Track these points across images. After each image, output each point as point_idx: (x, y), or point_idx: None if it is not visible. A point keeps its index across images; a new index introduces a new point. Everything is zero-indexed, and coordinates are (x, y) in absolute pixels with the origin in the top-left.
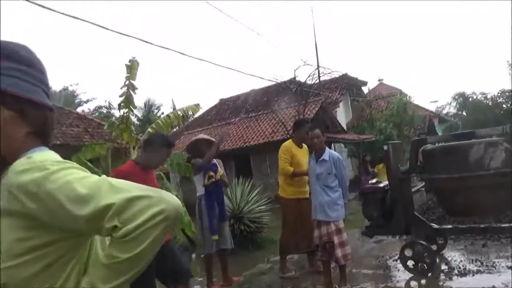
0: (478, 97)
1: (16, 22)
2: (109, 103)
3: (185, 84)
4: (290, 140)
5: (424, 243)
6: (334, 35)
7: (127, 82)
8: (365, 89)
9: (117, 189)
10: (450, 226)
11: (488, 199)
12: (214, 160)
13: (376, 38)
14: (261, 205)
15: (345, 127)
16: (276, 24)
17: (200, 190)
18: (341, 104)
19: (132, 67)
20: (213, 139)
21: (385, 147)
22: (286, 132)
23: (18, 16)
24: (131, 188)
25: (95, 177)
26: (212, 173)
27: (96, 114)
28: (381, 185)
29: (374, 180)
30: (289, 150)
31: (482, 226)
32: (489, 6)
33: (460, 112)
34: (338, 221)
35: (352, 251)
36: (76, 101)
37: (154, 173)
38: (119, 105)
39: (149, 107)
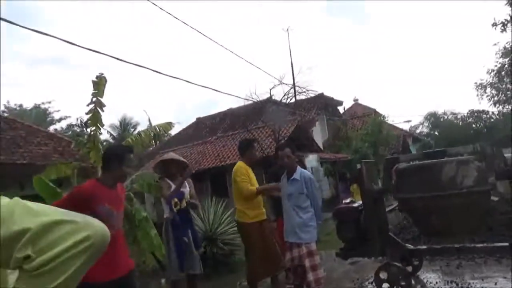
0: (449, 117)
1: None
2: (81, 121)
3: (162, 103)
4: (241, 161)
5: (399, 265)
6: (310, 55)
7: (94, 99)
8: (341, 109)
9: (34, 212)
10: (425, 247)
11: (462, 218)
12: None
13: (352, 59)
14: (234, 226)
15: (321, 146)
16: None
17: (167, 212)
18: (317, 123)
19: (99, 84)
20: (182, 159)
21: (358, 166)
22: (262, 151)
23: None
24: (52, 212)
25: (6, 199)
26: (176, 200)
27: (69, 132)
28: (355, 205)
29: (348, 200)
30: (245, 170)
31: (456, 246)
32: (460, 28)
33: (432, 132)
34: (310, 243)
35: (327, 272)
36: (48, 119)
37: (122, 192)
38: (85, 123)
39: (124, 125)
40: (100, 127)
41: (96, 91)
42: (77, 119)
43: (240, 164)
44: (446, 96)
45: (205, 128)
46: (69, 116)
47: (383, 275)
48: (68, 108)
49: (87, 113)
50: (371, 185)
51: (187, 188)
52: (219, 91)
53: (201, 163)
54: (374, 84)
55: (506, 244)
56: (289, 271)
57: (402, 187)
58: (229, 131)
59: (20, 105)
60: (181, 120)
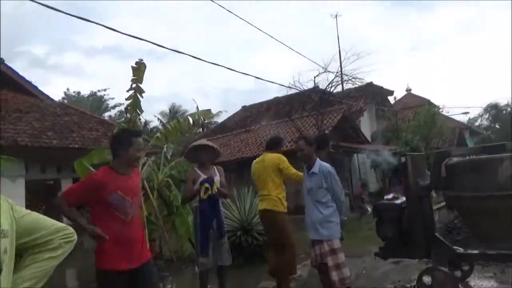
0: None
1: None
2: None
3: (212, 92)
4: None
5: (446, 269)
6: (359, 43)
7: (133, 85)
8: (391, 99)
9: None
10: (476, 252)
11: None
12: (214, 167)
13: (407, 47)
14: None
15: (369, 138)
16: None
17: (195, 201)
18: (365, 113)
19: (139, 70)
20: (213, 145)
21: (402, 159)
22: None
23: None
24: None
25: None
26: (207, 186)
27: (122, 119)
28: (398, 201)
29: (390, 196)
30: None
31: None
32: None
33: (493, 125)
34: (332, 240)
35: (366, 271)
36: (103, 106)
37: (137, 178)
38: (126, 109)
39: (173, 113)
40: (140, 112)
41: (136, 77)
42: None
43: (278, 155)
44: (509, 87)
45: (250, 116)
46: (122, 104)
47: (427, 280)
48: (122, 96)
49: (127, 99)
50: (417, 181)
51: (217, 176)
52: (261, 79)
53: (243, 152)
54: (429, 73)
55: None
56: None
57: (451, 184)
58: (274, 120)
59: (78, 93)
60: (229, 108)
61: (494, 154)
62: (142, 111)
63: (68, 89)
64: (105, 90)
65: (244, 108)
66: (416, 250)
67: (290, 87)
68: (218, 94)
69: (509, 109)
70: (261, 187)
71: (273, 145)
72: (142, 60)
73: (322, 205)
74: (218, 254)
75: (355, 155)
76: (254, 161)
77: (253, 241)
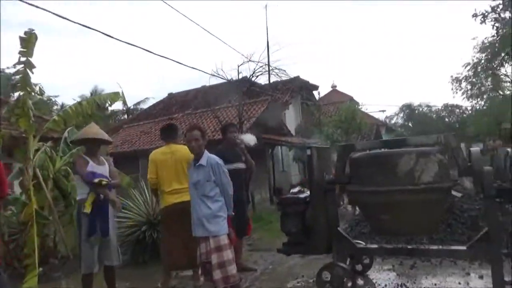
0: (424, 110)
1: None
2: (40, 88)
3: (137, 77)
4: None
5: (344, 265)
6: (288, 37)
7: (22, 59)
8: (316, 94)
9: None
10: (375, 246)
11: (417, 217)
12: (101, 157)
13: (334, 46)
14: None
15: (293, 131)
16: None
17: (81, 193)
18: (291, 107)
19: (29, 41)
20: (104, 138)
21: (308, 151)
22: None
23: None
24: None
25: None
26: (106, 181)
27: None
28: (303, 195)
29: (296, 189)
30: None
31: (409, 247)
32: (438, 22)
33: (406, 123)
34: (219, 236)
35: (273, 266)
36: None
37: None
38: (14, 85)
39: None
40: (30, 91)
41: (25, 50)
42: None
43: (187, 148)
44: (424, 89)
45: (176, 104)
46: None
47: (326, 276)
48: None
49: (13, 74)
50: (323, 175)
51: (106, 166)
52: (179, 63)
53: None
54: (353, 72)
55: (463, 248)
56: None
57: (353, 178)
58: (200, 109)
59: None
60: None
61: (394, 148)
62: (33, 89)
63: None
64: (14, 66)
65: (171, 95)
66: (318, 245)
67: (213, 75)
68: (152, 81)
69: (421, 109)
70: (174, 180)
71: (172, 133)
72: (33, 30)
73: (210, 199)
74: (105, 253)
75: (278, 147)
76: (158, 151)
77: (159, 235)
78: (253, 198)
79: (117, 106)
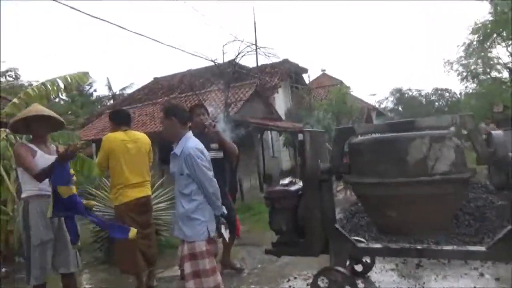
0: (414, 94)
1: None
2: (15, 71)
3: (121, 61)
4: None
5: (343, 270)
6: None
7: None
8: (306, 78)
9: None
10: (379, 246)
11: (430, 214)
12: (53, 145)
13: (322, 28)
14: (162, 201)
15: (283, 115)
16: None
17: (28, 189)
18: (280, 90)
19: None
20: (53, 114)
21: (300, 136)
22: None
23: None
24: None
25: None
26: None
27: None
28: (294, 188)
29: (286, 181)
30: None
31: (419, 247)
32: (431, 6)
33: (396, 107)
34: (194, 242)
35: (262, 265)
36: None
37: None
38: None
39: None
40: None
41: None
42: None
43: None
44: (414, 73)
45: (161, 89)
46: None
47: (322, 283)
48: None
49: None
50: (317, 163)
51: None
52: (159, 41)
53: (147, 126)
54: (342, 56)
55: (483, 249)
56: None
57: (355, 167)
58: (185, 93)
59: None
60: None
61: (402, 132)
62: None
63: None
64: None
65: (156, 79)
66: (313, 246)
67: (195, 55)
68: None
69: (410, 93)
70: (136, 171)
71: (128, 119)
72: None
73: (185, 197)
74: (60, 260)
75: (268, 132)
76: (115, 138)
77: None
78: (241, 186)
79: (103, 91)
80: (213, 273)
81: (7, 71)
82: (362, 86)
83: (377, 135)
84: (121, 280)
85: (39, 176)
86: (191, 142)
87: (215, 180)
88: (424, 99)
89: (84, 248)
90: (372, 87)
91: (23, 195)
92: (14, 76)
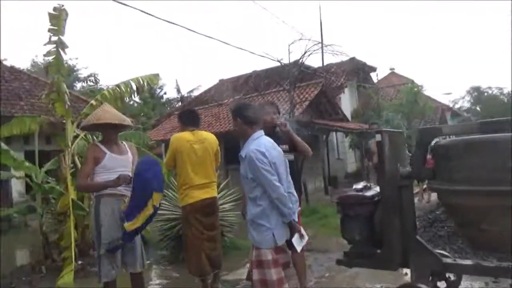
0: (494, 92)
1: None
2: (95, 76)
3: (189, 64)
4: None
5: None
6: (343, 17)
7: (53, 38)
8: (374, 76)
9: None
10: (469, 263)
11: None
12: (124, 143)
13: (390, 26)
14: (227, 202)
15: (349, 115)
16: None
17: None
18: (346, 90)
19: (59, 18)
20: (123, 123)
21: (377, 137)
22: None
23: None
24: None
25: None
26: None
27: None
28: (370, 193)
29: (360, 185)
30: None
31: None
32: None
33: (474, 107)
34: (260, 249)
35: (330, 274)
36: (73, 76)
37: None
38: (46, 68)
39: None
40: (63, 74)
41: (55, 28)
42: (92, 74)
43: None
44: (494, 70)
45: (227, 90)
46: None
47: None
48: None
49: (45, 55)
50: (396, 167)
51: (129, 154)
52: (228, 44)
53: (214, 126)
54: (413, 53)
55: None
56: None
57: (443, 173)
58: (250, 94)
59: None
60: (205, 83)
61: (496, 133)
62: (66, 72)
63: (36, 56)
64: (76, 58)
65: (221, 81)
66: (391, 258)
67: (262, 56)
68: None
69: (490, 92)
70: (201, 172)
71: (196, 119)
72: (62, 5)
73: (252, 201)
74: (127, 260)
75: (333, 133)
76: (181, 137)
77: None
78: (306, 189)
79: (172, 94)
80: (280, 285)
81: (88, 76)
82: (435, 85)
83: (466, 136)
84: (187, 279)
85: (80, 188)
86: (254, 144)
87: (279, 185)
88: (506, 98)
89: (152, 246)
90: (446, 86)
91: (95, 193)
92: (94, 81)
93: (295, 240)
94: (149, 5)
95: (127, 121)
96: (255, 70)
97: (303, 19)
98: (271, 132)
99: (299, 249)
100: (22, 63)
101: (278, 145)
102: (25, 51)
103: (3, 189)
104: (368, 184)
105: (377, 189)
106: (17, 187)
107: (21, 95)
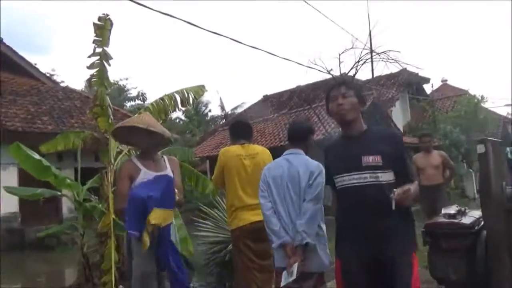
0: None
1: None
2: (142, 94)
3: (233, 81)
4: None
5: None
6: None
7: (98, 49)
8: (427, 88)
9: None
10: None
11: None
12: (165, 157)
13: (441, 37)
14: None
15: (401, 129)
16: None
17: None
18: (397, 103)
19: (104, 28)
20: (156, 130)
21: (479, 148)
22: (325, 131)
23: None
24: None
25: None
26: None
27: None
28: (467, 220)
29: (451, 210)
30: None
31: None
32: None
33: None
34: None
35: None
36: (123, 95)
37: None
38: (90, 80)
39: (196, 104)
40: (107, 86)
41: (100, 39)
42: (139, 92)
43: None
44: None
45: (271, 106)
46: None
47: None
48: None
49: (88, 67)
50: (501, 185)
51: (168, 170)
52: (274, 54)
53: (259, 142)
54: (465, 64)
55: None
56: None
57: None
58: (295, 108)
59: None
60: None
61: None
62: (110, 84)
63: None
64: (126, 79)
65: (265, 97)
66: None
67: (309, 67)
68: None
69: None
70: (252, 192)
71: (247, 132)
72: (107, 15)
73: None
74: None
75: None
76: (230, 152)
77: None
78: None
79: (216, 111)
80: None
81: (137, 96)
82: (492, 96)
83: None
84: None
85: (119, 213)
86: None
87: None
88: None
89: (197, 269)
90: (505, 96)
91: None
92: (142, 99)
93: (284, 272)
94: (192, 17)
95: (159, 129)
96: (299, 85)
97: (353, 28)
98: None
99: (282, 283)
100: (78, 83)
101: None
102: (82, 72)
103: (54, 206)
104: (462, 208)
105: (475, 214)
106: (67, 203)
107: (72, 113)
